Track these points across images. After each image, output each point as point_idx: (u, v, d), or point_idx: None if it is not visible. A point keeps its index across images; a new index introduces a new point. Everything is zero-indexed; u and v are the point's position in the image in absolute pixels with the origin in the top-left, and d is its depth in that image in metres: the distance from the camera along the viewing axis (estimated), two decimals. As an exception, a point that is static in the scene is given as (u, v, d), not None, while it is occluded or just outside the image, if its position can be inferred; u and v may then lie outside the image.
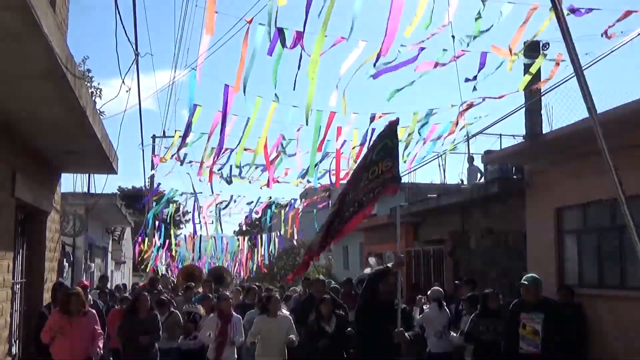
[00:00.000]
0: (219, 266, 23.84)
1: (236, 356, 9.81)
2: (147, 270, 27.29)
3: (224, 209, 20.43)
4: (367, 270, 12.26)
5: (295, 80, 7.92)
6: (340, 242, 31.80)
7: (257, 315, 10.00)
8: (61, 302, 8.36)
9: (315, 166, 12.27)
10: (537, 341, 7.88)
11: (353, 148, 11.92)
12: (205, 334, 9.67)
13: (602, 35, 8.67)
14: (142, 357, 9.41)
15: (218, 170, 13.69)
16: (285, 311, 10.31)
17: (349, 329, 9.35)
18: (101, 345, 8.64)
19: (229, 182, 14.17)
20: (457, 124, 10.71)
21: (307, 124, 9.43)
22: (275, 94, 8.83)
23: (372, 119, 10.72)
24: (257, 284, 16.33)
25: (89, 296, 10.52)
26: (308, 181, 14.42)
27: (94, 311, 8.72)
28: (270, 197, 21.65)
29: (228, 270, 21.49)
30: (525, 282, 8.33)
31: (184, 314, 10.78)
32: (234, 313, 9.93)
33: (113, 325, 10.42)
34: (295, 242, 28.62)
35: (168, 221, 24.78)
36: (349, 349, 9.36)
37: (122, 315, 10.11)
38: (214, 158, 11.51)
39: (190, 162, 14.12)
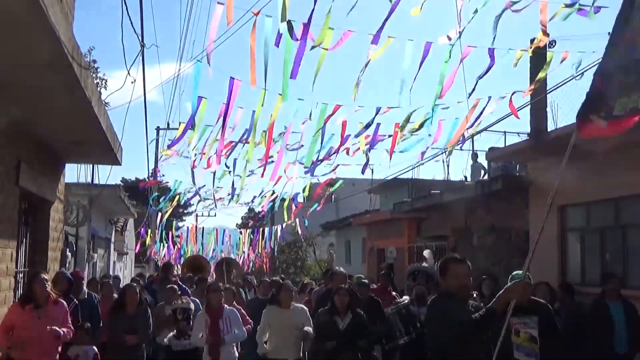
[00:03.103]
0: (226, 257, 23.38)
1: (237, 354, 8.63)
2: (157, 260, 27.29)
3: (229, 201, 20.35)
4: (425, 264, 11.73)
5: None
6: (343, 236, 31.87)
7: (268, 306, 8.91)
8: (26, 288, 7.21)
9: (318, 159, 12.17)
10: (535, 349, 6.53)
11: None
12: (198, 335, 8.39)
13: (608, 34, 8.63)
14: (126, 357, 8.38)
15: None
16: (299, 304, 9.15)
17: (364, 340, 8.15)
18: (66, 331, 7.20)
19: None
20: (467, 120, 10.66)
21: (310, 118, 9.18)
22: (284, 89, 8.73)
23: (377, 112, 10.68)
24: (279, 277, 15.33)
25: (84, 288, 9.56)
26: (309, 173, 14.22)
27: (63, 301, 7.44)
28: (274, 192, 21.58)
29: (236, 262, 20.78)
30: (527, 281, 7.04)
31: (174, 311, 9.33)
32: (225, 306, 8.58)
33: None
34: (300, 235, 28.49)
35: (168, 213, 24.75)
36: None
37: (108, 310, 9.09)
38: (219, 150, 11.45)
39: (194, 154, 14.08)
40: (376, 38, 7.91)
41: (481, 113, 9.68)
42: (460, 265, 4.83)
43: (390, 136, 10.73)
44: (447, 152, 14.40)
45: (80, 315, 8.39)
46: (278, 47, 7.74)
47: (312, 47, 7.73)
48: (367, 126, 10.33)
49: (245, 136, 11.05)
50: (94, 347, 8.45)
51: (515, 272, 7.07)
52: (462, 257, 4.95)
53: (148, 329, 8.60)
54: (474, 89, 8.89)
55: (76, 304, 8.38)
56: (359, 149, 11.49)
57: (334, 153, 11.61)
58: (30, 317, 6.82)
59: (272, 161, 12.41)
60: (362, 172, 12.36)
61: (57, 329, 6.95)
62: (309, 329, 8.33)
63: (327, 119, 9.85)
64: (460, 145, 12.65)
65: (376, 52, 8.21)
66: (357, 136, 10.79)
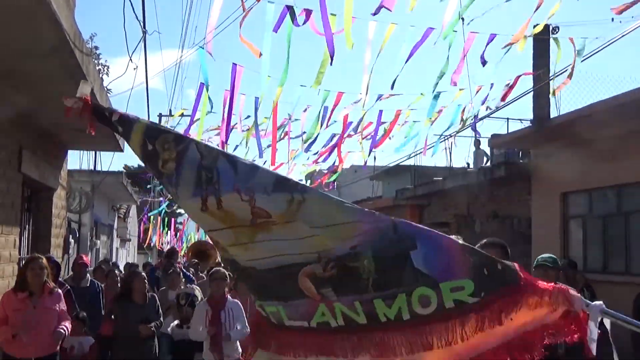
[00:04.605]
0: None
1: (240, 350, 7.37)
2: (156, 246, 27.33)
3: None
4: None
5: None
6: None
7: None
8: (20, 274, 6.47)
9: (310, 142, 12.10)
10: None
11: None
12: (197, 328, 7.39)
13: (612, 20, 8.61)
14: (137, 350, 7.55)
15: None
16: None
17: None
18: (68, 327, 6.54)
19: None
20: (463, 111, 10.66)
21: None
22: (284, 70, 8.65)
23: (378, 99, 10.68)
24: None
25: (87, 275, 9.04)
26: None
27: (59, 290, 6.73)
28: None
29: None
30: (549, 264, 5.67)
31: (177, 297, 8.71)
32: (229, 297, 7.63)
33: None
34: None
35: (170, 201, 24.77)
36: None
37: (112, 299, 8.48)
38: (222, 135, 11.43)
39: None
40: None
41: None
42: (486, 250, 4.00)
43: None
44: (452, 137, 14.38)
45: (78, 303, 7.88)
46: (277, 32, 7.73)
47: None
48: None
49: (246, 119, 11.05)
50: (91, 338, 8.00)
51: (546, 255, 6.11)
52: (494, 241, 4.37)
53: (159, 318, 7.94)
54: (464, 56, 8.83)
55: (68, 289, 7.78)
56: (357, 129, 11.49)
57: (336, 139, 11.60)
58: (24, 305, 6.13)
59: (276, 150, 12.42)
60: (365, 165, 12.36)
61: (61, 331, 6.31)
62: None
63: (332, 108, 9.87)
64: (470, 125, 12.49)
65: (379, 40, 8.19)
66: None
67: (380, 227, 2.89)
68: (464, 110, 10.92)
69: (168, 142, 3.04)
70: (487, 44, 8.68)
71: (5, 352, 6.13)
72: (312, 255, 2.97)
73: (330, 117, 10.64)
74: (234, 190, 2.95)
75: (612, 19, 8.74)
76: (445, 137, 15.98)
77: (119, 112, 3.16)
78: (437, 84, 9.46)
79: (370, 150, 12.13)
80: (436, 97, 10.38)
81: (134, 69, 9.58)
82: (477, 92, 10.33)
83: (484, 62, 8.96)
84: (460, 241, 2.93)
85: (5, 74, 6.50)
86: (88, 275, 9.21)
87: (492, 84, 10.21)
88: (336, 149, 12.12)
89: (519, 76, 10.44)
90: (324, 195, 3.04)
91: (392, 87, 8.96)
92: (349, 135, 11.75)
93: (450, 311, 2.79)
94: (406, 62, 8.52)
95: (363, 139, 11.66)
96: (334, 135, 12.19)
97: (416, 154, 17.11)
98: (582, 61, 9.40)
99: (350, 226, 2.90)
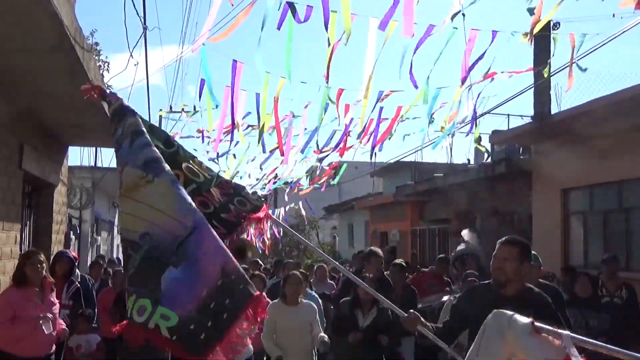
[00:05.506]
0: (241, 238, 22.27)
1: (252, 348, 6.58)
2: None
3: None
4: (462, 247, 11.62)
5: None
6: (346, 219, 31.90)
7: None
8: (18, 269, 6.03)
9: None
10: None
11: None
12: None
13: (613, 16, 8.58)
14: (150, 352, 6.82)
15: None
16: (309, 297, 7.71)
17: (384, 337, 6.72)
18: (63, 323, 6.41)
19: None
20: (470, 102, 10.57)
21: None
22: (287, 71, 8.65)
23: (380, 96, 10.65)
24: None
25: (76, 271, 8.64)
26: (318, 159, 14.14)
27: (54, 288, 6.31)
28: (277, 175, 21.51)
29: (251, 244, 18.89)
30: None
31: None
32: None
33: (104, 308, 8.51)
34: (304, 218, 28.48)
35: None
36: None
37: (116, 298, 8.11)
38: (221, 133, 11.41)
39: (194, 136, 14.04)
40: (383, 24, 7.82)
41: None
42: (498, 246, 4.33)
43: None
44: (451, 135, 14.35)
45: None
46: (279, 29, 7.70)
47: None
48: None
49: (246, 116, 11.03)
50: (97, 336, 7.84)
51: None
52: (513, 239, 4.38)
53: None
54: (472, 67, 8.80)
55: (78, 287, 7.75)
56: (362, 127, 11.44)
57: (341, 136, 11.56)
58: (33, 301, 5.88)
59: (277, 147, 12.37)
60: (371, 158, 12.31)
61: (66, 328, 6.33)
62: (324, 338, 6.78)
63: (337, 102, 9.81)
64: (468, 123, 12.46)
65: (381, 36, 8.15)
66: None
67: (177, 234, 3.19)
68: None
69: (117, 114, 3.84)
70: (491, 42, 8.63)
71: (9, 352, 5.72)
72: (122, 230, 3.48)
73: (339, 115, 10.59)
74: (119, 163, 3.61)
75: (613, 15, 8.72)
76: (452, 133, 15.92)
77: (114, 107, 3.85)
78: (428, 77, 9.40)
79: (372, 149, 12.09)
80: (435, 96, 10.33)
81: (135, 65, 9.64)
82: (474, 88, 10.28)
83: (464, 79, 8.86)
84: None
85: (5, 70, 6.50)
86: (77, 270, 8.85)
87: (492, 79, 10.16)
88: (341, 144, 12.06)
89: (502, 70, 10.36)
90: (173, 185, 3.41)
91: (400, 77, 8.80)
92: (350, 136, 11.71)
93: (147, 330, 3.02)
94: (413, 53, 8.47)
95: (364, 137, 11.59)
96: (335, 132, 12.16)
97: (417, 150, 17.10)
98: (582, 57, 9.38)
99: (165, 218, 3.25)
